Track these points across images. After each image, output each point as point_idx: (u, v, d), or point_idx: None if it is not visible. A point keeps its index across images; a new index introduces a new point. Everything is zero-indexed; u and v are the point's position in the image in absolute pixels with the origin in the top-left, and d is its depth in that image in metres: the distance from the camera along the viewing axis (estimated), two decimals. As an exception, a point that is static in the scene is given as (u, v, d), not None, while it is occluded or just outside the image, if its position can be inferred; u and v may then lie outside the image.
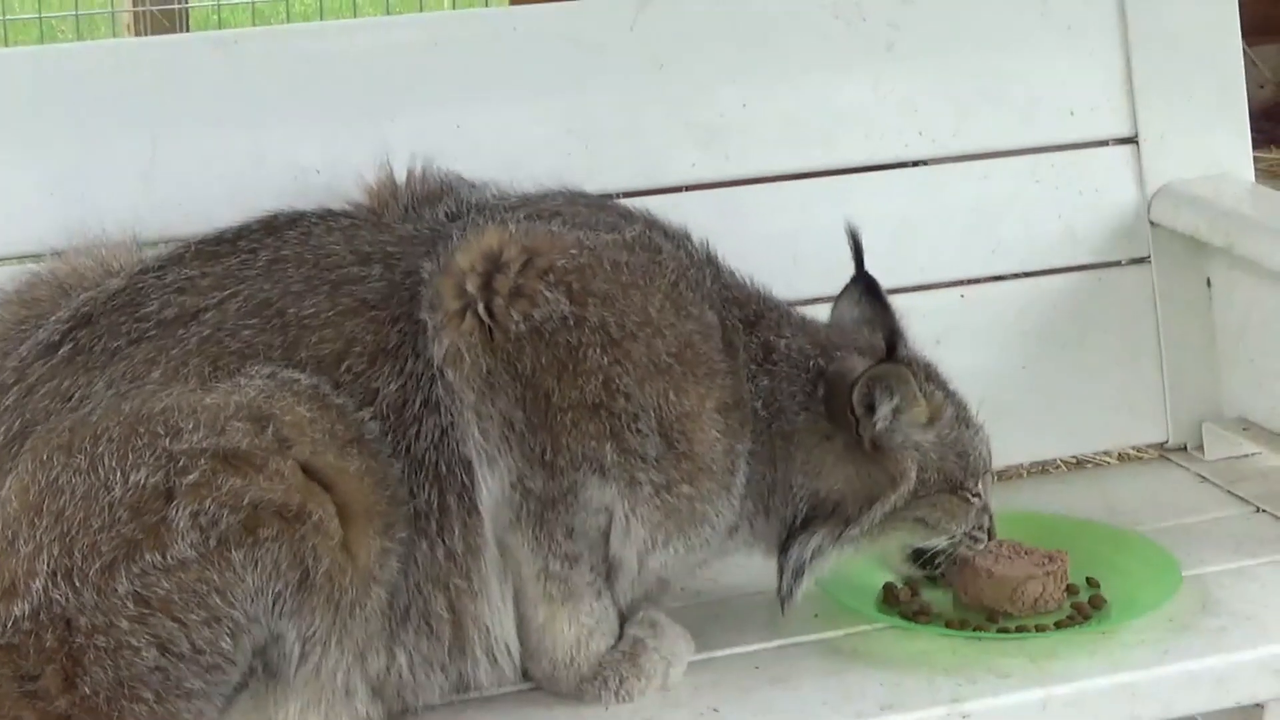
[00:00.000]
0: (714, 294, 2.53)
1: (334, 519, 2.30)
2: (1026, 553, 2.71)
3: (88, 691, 2.24)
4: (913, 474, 2.55)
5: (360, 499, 2.33)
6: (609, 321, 2.40)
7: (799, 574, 2.56)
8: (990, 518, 2.64)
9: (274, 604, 2.28)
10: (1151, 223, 3.16)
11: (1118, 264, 3.17)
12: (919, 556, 2.63)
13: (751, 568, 2.66)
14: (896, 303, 2.73)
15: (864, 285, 2.71)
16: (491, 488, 2.40)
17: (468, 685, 2.47)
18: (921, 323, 2.78)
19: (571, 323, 2.39)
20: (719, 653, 2.59)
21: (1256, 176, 3.24)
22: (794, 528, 2.55)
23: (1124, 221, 3.16)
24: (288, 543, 2.27)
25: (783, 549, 2.56)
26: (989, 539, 2.64)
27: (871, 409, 2.51)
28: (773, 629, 2.61)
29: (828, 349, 2.59)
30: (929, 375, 2.61)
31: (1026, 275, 3.14)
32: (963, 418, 2.62)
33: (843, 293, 2.73)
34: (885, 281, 2.74)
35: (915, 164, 3.13)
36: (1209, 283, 3.17)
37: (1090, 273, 3.16)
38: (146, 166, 2.78)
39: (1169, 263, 3.16)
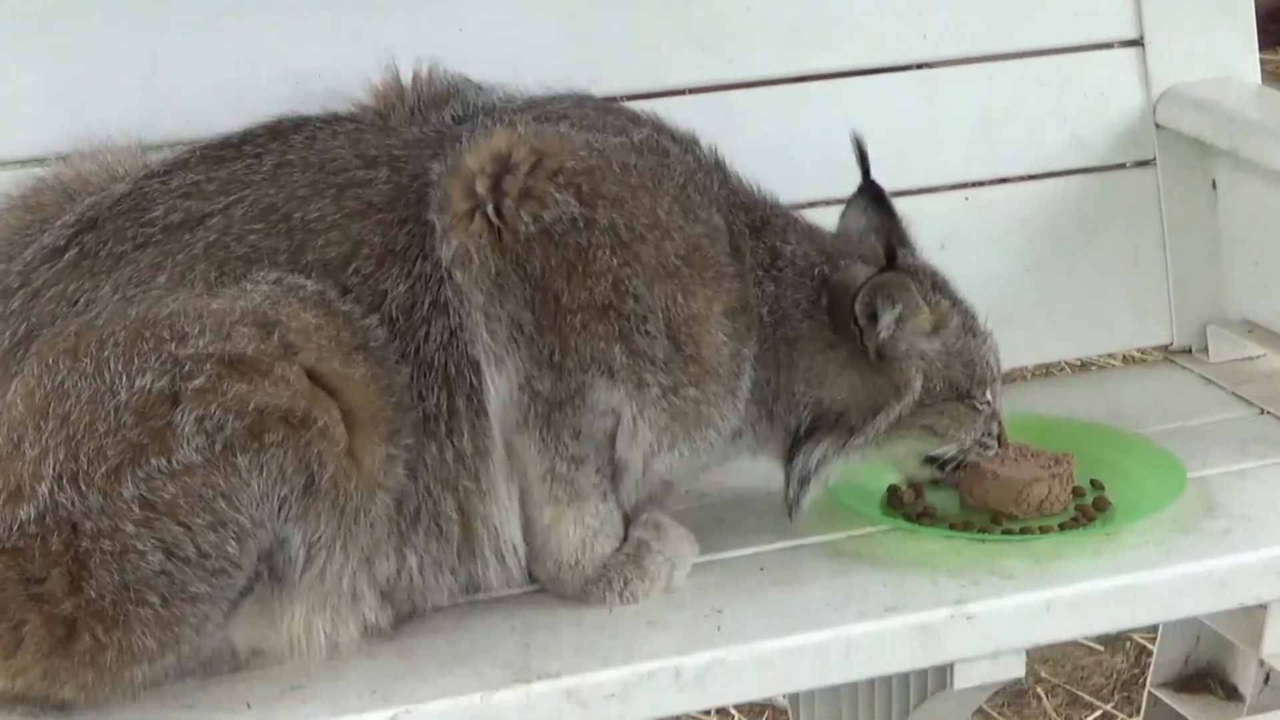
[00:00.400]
0: (721, 199, 2.52)
1: (339, 425, 2.30)
2: (1033, 455, 2.71)
3: (93, 595, 2.24)
4: (917, 383, 2.55)
5: (365, 405, 2.33)
6: (618, 223, 2.39)
7: (804, 483, 2.57)
8: (1000, 424, 2.64)
9: (279, 509, 2.28)
10: (1156, 125, 3.15)
11: (1122, 167, 3.17)
12: (934, 460, 2.64)
13: (756, 471, 2.66)
14: (902, 209, 2.72)
15: (871, 194, 2.70)
16: (499, 389, 2.40)
17: (476, 586, 2.47)
18: (925, 227, 2.77)
19: (581, 224, 2.38)
20: (723, 554, 2.59)
21: (1262, 78, 3.23)
22: (798, 436, 2.56)
23: (1129, 124, 3.15)
24: (293, 448, 2.27)
25: (788, 458, 2.57)
26: (1000, 445, 2.64)
27: (874, 318, 2.51)
28: (777, 531, 2.62)
29: (833, 257, 2.58)
30: (935, 284, 2.60)
31: (1031, 178, 3.14)
32: (969, 326, 2.61)
33: (850, 202, 2.72)
34: (889, 185, 2.73)
35: (919, 67, 3.11)
36: (1214, 185, 3.17)
37: (1095, 176, 3.15)
38: (148, 71, 2.77)
39: (1174, 165, 3.16)
